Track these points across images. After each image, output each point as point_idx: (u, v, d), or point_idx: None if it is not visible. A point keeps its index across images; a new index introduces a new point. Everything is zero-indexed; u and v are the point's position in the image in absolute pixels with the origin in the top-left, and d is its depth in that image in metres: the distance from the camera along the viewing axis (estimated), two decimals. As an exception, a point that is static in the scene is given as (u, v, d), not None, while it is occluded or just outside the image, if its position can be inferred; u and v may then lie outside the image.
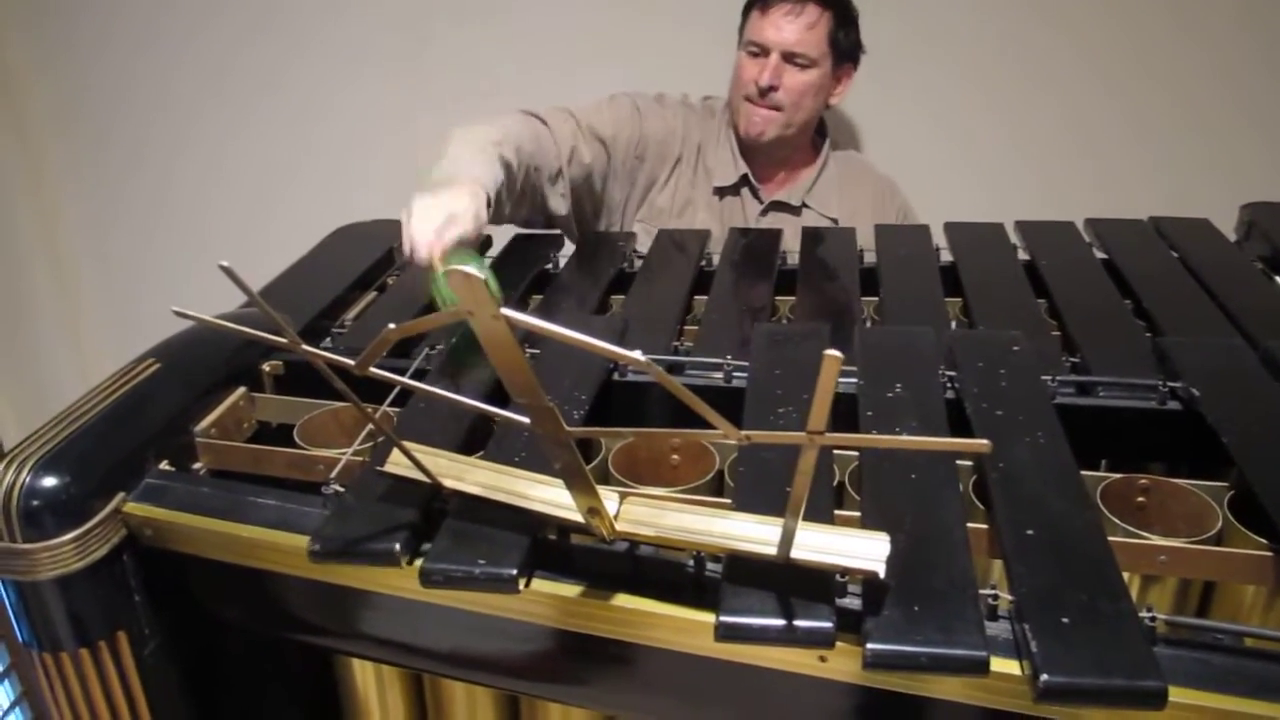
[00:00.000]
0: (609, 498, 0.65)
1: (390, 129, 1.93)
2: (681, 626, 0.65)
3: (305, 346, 0.58)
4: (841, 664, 0.62)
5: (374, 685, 0.85)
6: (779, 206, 1.59)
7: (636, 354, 0.46)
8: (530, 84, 1.80)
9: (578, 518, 0.64)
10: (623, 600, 0.66)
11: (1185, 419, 0.83)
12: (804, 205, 1.59)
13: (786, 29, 1.49)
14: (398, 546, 0.67)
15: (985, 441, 0.46)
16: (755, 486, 0.71)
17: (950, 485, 0.71)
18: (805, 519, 0.59)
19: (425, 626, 0.74)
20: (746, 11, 1.56)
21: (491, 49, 1.89)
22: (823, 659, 0.63)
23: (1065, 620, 0.59)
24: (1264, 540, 0.71)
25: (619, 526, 0.64)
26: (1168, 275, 1.10)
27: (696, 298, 1.12)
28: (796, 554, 0.60)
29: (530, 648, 0.72)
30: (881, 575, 0.59)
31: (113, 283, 2.17)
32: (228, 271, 0.53)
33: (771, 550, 0.60)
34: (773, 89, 1.50)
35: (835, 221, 1.57)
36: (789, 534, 0.58)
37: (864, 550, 0.60)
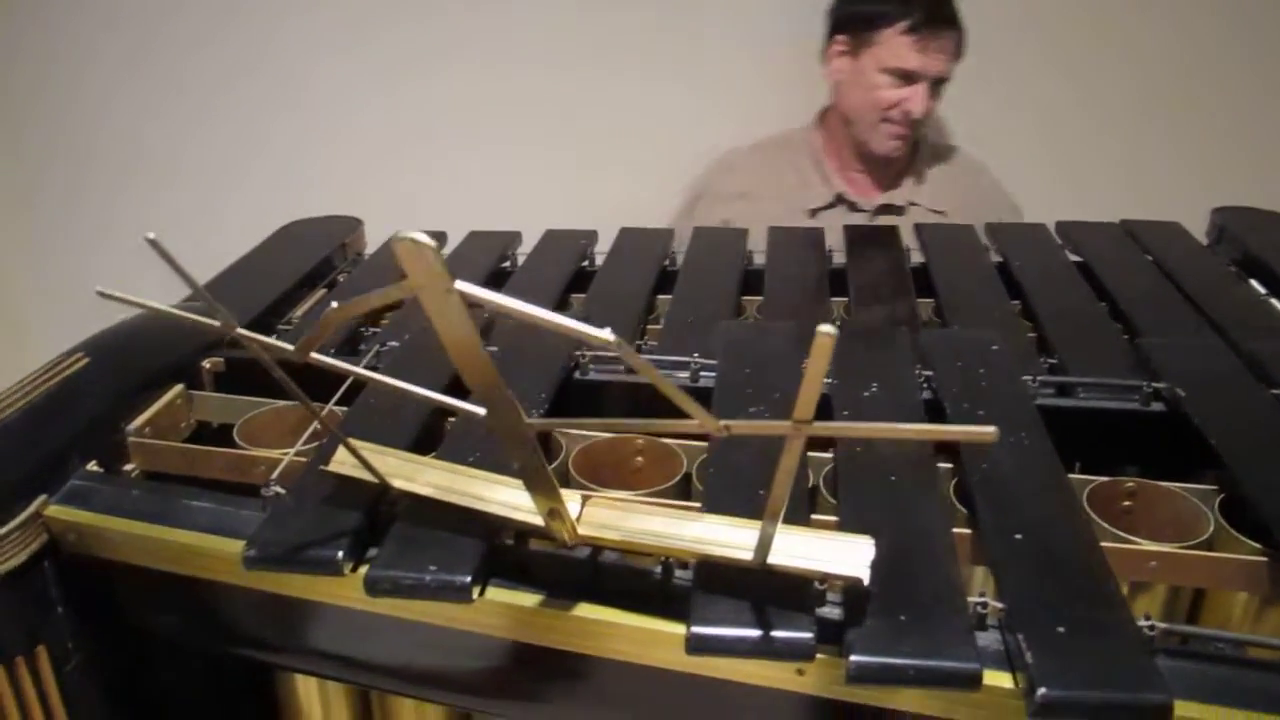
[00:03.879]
0: (570, 499, 0.60)
1: (342, 125, 1.88)
2: (648, 638, 0.60)
3: (240, 330, 0.53)
4: (821, 678, 0.58)
5: (318, 703, 0.80)
6: (886, 210, 1.60)
7: (605, 332, 0.41)
8: (497, 77, 1.77)
9: (537, 521, 0.60)
10: (584, 610, 0.61)
11: (1169, 421, 0.80)
12: (910, 204, 1.63)
13: (940, 61, 1.52)
14: (341, 553, 0.62)
15: (992, 429, 0.41)
16: (725, 490, 0.67)
17: (931, 488, 0.67)
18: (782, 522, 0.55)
19: (372, 639, 0.69)
20: (875, 27, 1.54)
21: (444, 43, 1.85)
22: (801, 672, 0.58)
23: (1060, 630, 0.55)
24: (1258, 545, 0.67)
25: (581, 530, 0.60)
26: (1142, 278, 1.08)
27: (660, 297, 1.08)
28: (775, 560, 0.55)
29: (484, 662, 0.67)
30: (866, 582, 0.55)
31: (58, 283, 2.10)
32: (154, 244, 0.48)
33: (747, 555, 0.56)
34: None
35: (944, 214, 1.58)
36: (767, 538, 0.54)
37: (847, 555, 0.55)
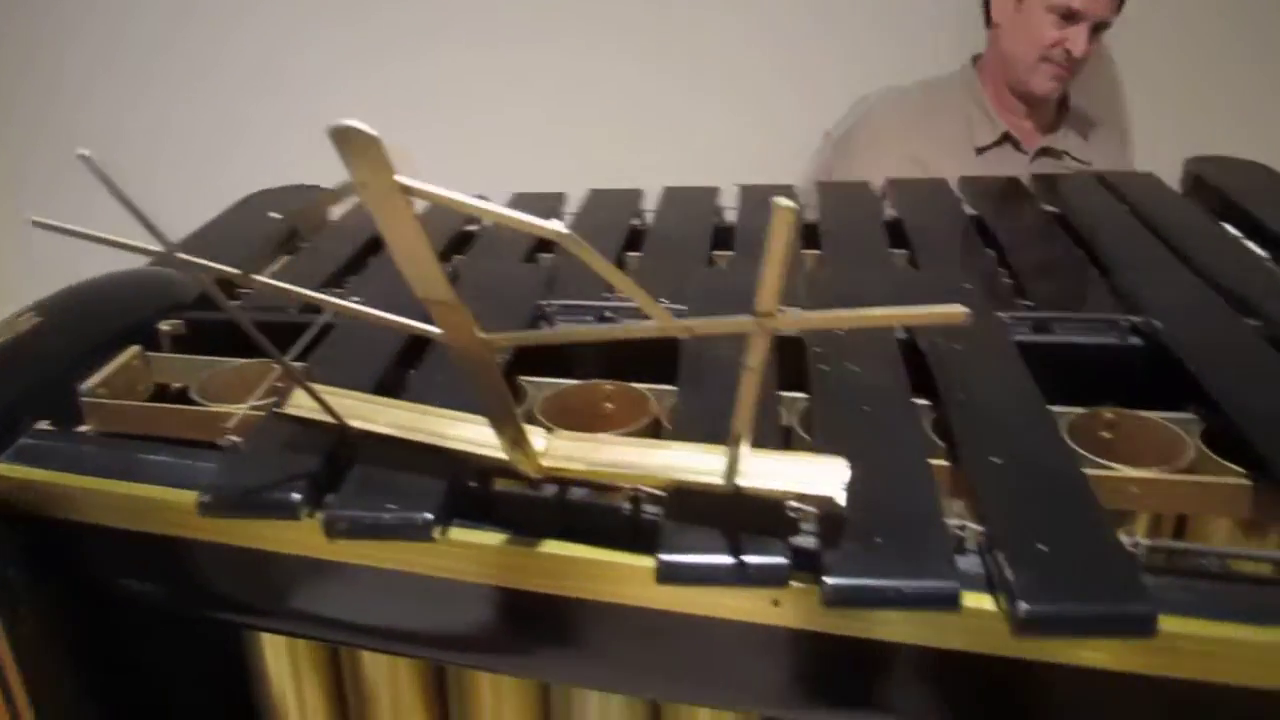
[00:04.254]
0: (536, 435, 0.58)
1: (323, 107, 1.86)
2: (618, 574, 0.58)
3: (182, 255, 0.51)
4: (798, 609, 0.56)
5: (287, 662, 0.77)
6: (1045, 153, 1.68)
7: (556, 224, 0.39)
8: (480, 56, 1.75)
9: (500, 455, 0.58)
10: (551, 548, 0.59)
11: (1148, 353, 0.78)
12: (1065, 153, 1.69)
13: (1102, 4, 1.56)
14: (298, 496, 0.60)
15: (960, 308, 0.40)
16: (696, 430, 0.65)
17: (909, 419, 0.65)
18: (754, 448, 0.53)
19: (336, 591, 0.67)
20: None
21: (428, 23, 1.83)
22: (777, 603, 0.56)
23: (1042, 548, 0.53)
24: (1240, 470, 0.66)
25: (546, 463, 0.58)
26: (1120, 226, 1.06)
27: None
28: (744, 482, 0.53)
29: (450, 609, 0.65)
30: (840, 502, 0.53)
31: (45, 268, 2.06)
32: (87, 162, 0.46)
33: (717, 479, 0.54)
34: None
35: (1088, 163, 1.66)
36: (735, 456, 0.52)
37: (820, 475, 0.54)
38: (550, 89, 1.86)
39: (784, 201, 0.36)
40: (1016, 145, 1.69)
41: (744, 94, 1.90)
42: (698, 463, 0.56)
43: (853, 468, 0.55)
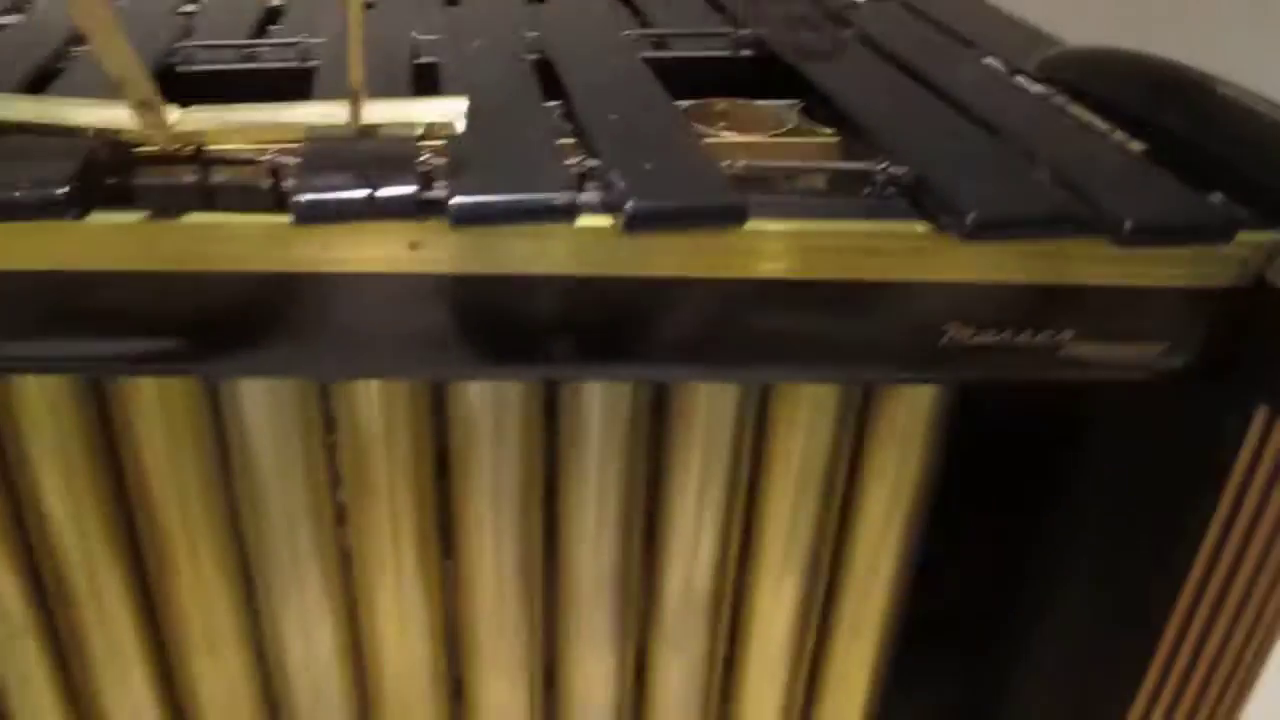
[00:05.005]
0: (170, 108, 0.59)
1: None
2: (259, 235, 0.60)
3: None
4: (436, 252, 0.60)
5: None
6: None
7: None
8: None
9: (132, 125, 0.58)
10: (194, 219, 0.60)
11: (759, 63, 0.86)
12: None
13: None
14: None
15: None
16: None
17: (539, 104, 0.70)
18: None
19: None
20: None
21: None
22: (414, 245, 0.60)
23: (648, 166, 0.59)
24: (831, 130, 0.75)
25: (179, 129, 0.59)
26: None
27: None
28: (370, 119, 0.57)
29: (94, 307, 0.64)
30: (459, 129, 0.57)
31: None
32: None
33: (343, 118, 0.57)
34: None
35: None
36: (356, 99, 0.55)
37: (441, 108, 0.57)
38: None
39: None
40: None
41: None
42: (327, 114, 0.58)
43: (475, 113, 0.59)
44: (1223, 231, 0.60)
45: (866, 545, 0.83)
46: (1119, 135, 0.71)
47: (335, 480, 0.77)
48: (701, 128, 0.75)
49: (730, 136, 0.73)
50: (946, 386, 0.76)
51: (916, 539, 0.84)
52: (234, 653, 0.84)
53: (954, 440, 0.79)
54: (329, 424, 0.75)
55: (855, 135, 0.72)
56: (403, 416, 0.73)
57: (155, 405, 0.72)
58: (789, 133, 0.76)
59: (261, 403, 0.72)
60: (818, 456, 0.77)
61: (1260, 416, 0.66)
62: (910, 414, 0.76)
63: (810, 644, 0.90)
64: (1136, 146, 0.70)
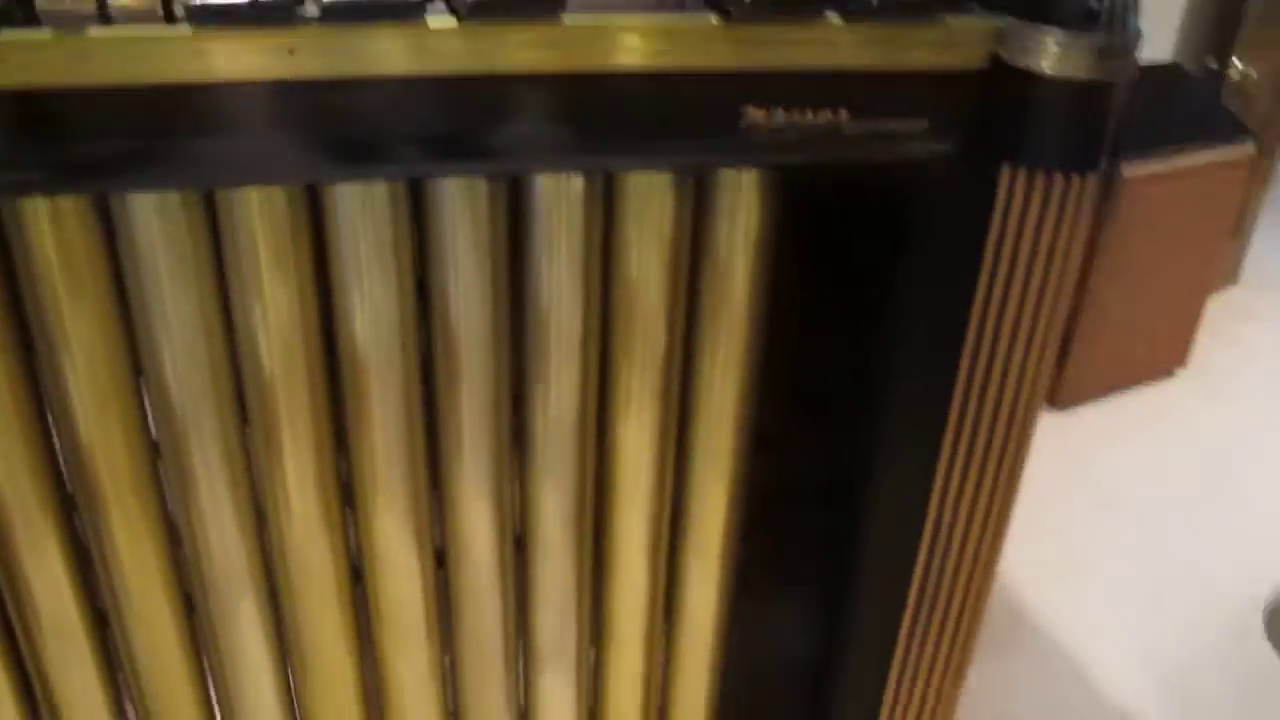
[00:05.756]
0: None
1: None
2: (149, 52, 0.68)
3: None
4: (310, 56, 0.70)
5: None
6: None
7: None
8: None
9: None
10: (96, 32, 0.67)
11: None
12: None
13: None
14: None
15: None
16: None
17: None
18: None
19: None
20: None
21: None
22: (292, 51, 0.70)
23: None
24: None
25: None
26: None
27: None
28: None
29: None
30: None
31: None
32: None
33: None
34: None
35: None
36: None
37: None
38: None
39: None
40: None
41: None
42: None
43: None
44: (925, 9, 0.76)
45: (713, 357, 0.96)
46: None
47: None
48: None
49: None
50: (766, 173, 0.87)
51: (760, 336, 0.96)
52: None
53: (783, 231, 0.91)
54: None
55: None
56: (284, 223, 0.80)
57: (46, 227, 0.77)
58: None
59: (152, 220, 0.78)
60: (662, 243, 0.88)
61: (1005, 174, 0.80)
62: (737, 199, 0.87)
63: (670, 473, 1.02)
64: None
